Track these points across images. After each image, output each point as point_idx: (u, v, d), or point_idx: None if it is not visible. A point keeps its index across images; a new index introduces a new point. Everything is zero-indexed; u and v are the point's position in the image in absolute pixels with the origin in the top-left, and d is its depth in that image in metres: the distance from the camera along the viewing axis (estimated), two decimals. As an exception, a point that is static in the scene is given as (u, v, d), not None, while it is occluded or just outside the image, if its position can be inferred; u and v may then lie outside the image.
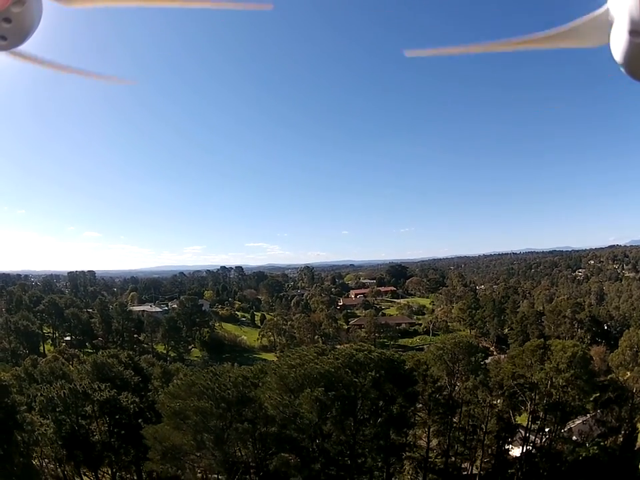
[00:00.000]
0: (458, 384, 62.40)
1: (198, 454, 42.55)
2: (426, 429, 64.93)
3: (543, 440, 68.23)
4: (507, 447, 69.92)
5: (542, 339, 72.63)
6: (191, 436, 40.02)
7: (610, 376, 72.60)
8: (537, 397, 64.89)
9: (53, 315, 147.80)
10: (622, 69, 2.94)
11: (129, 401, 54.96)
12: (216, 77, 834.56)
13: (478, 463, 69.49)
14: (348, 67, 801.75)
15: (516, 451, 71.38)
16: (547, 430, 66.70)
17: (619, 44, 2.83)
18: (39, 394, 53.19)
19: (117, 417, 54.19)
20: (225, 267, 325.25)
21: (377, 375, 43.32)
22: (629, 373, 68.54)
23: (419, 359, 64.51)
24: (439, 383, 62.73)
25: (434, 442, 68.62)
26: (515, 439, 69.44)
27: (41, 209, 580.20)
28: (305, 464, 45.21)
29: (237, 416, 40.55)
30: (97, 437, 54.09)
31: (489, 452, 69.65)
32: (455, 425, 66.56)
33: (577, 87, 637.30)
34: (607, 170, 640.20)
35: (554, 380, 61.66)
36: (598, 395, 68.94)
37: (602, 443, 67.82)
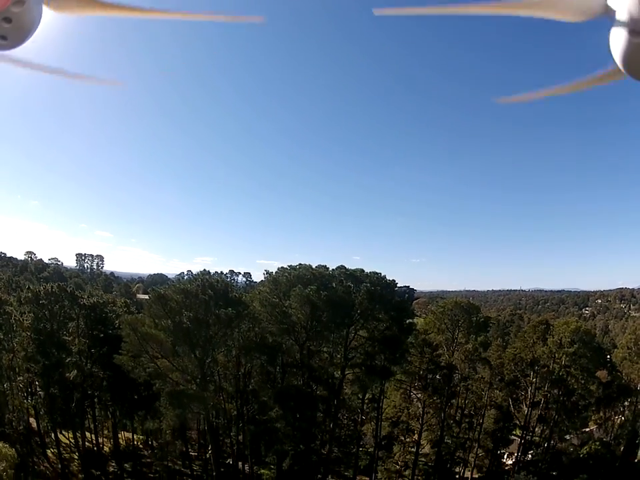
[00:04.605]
0: (457, 351, 59.88)
1: (174, 351, 40.41)
2: (419, 414, 62.47)
3: (543, 434, 64.91)
4: (502, 451, 67.11)
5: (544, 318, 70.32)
6: (170, 319, 38.21)
7: (614, 372, 69.30)
8: (537, 380, 62.15)
9: (57, 283, 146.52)
10: (622, 69, 2.89)
11: (116, 316, 53.57)
12: (237, 88, 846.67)
13: (472, 460, 66.56)
14: (366, 88, 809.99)
15: (512, 456, 68.38)
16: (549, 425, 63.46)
17: (619, 44, 2.79)
18: (27, 286, 52.14)
19: (101, 327, 52.57)
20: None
21: (372, 289, 41.34)
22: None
23: (418, 327, 62.43)
24: (437, 351, 60.43)
25: (427, 448, 66.09)
26: (512, 439, 66.41)
27: (54, 203, 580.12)
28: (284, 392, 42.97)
29: (222, 304, 38.72)
30: (75, 346, 52.22)
31: (483, 453, 66.65)
32: (452, 405, 64.05)
33: (587, 126, 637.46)
34: (617, 212, 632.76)
35: (557, 355, 58.95)
36: (601, 396, 65.96)
37: (604, 440, 64.56)
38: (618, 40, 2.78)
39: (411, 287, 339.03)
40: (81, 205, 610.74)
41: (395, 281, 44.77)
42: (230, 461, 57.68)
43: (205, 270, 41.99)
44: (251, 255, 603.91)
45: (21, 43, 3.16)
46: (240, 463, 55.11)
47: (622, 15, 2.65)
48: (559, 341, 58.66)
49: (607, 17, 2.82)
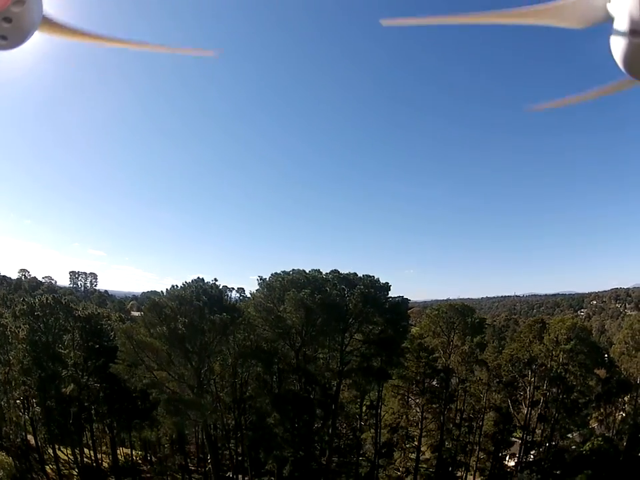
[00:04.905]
0: (454, 354, 59.98)
1: (170, 359, 40.32)
2: (418, 419, 62.35)
3: (544, 434, 64.66)
4: (504, 453, 66.86)
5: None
6: (165, 326, 38.13)
7: (612, 369, 69.31)
8: (536, 379, 62.16)
9: (51, 295, 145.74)
10: (622, 69, 2.90)
11: (111, 329, 53.29)
12: (228, 101, 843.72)
13: (473, 463, 66.41)
14: (356, 100, 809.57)
15: (514, 457, 68.11)
16: (550, 424, 63.27)
17: (619, 44, 2.80)
18: (22, 299, 51.96)
19: (96, 339, 52.27)
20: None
21: (366, 291, 41.44)
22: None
23: (413, 334, 62.55)
24: (434, 355, 60.45)
25: (427, 453, 65.89)
26: (513, 440, 66.24)
27: (47, 221, 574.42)
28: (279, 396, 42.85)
29: (217, 310, 38.71)
30: (71, 359, 51.83)
31: (485, 455, 66.44)
32: (451, 409, 63.93)
33: (577, 133, 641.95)
34: (610, 214, 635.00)
35: (554, 353, 59.03)
36: (601, 392, 65.97)
37: (606, 435, 64.35)
38: (618, 41, 2.76)
39: (404, 297, 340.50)
40: (73, 223, 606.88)
41: (388, 283, 44.86)
42: (230, 474, 57.31)
43: (198, 277, 41.76)
44: (244, 271, 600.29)
45: (21, 43, 3.15)
46: (240, 476, 54.77)
47: (622, 15, 2.64)
48: (555, 339, 58.80)
49: (609, 23, 2.80)
